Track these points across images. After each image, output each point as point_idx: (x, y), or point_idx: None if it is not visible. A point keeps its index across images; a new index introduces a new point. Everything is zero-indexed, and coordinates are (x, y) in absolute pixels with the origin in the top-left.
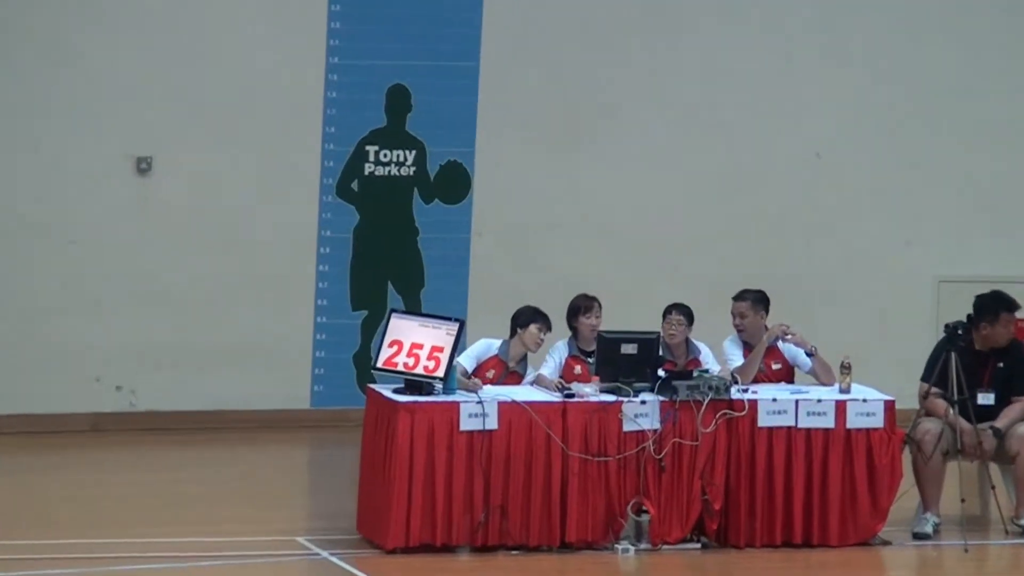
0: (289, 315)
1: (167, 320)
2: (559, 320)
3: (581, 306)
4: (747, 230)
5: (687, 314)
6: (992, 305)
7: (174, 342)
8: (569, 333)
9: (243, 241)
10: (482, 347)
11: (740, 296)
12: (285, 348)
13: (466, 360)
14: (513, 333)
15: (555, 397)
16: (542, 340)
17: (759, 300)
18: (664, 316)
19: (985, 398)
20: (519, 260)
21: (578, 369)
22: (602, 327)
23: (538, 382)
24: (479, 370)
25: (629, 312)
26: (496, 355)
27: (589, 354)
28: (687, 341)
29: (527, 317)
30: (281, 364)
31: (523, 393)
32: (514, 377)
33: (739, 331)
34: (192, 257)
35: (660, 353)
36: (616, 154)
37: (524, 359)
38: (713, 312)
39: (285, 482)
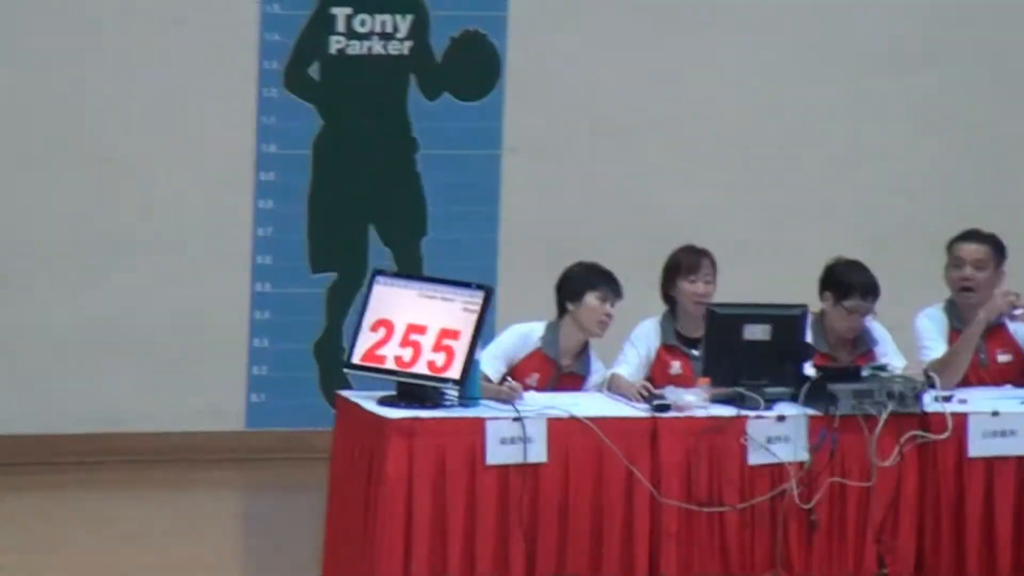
0: (208, 282)
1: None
2: (639, 287)
3: (682, 264)
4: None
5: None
6: None
7: (10, 329)
8: (662, 309)
9: (125, 164)
10: (515, 339)
11: (969, 237)
12: (202, 335)
13: (490, 363)
14: (563, 312)
15: (639, 411)
16: (608, 317)
17: (997, 248)
18: (835, 290)
19: None
20: (575, 190)
21: (676, 366)
22: (716, 298)
23: (611, 387)
24: (515, 375)
25: (756, 272)
26: (538, 349)
27: (694, 342)
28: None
29: (580, 282)
30: (195, 361)
31: (588, 405)
32: (571, 381)
33: (962, 290)
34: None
35: (809, 340)
36: (723, 31)
37: (585, 351)
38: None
39: (201, 553)
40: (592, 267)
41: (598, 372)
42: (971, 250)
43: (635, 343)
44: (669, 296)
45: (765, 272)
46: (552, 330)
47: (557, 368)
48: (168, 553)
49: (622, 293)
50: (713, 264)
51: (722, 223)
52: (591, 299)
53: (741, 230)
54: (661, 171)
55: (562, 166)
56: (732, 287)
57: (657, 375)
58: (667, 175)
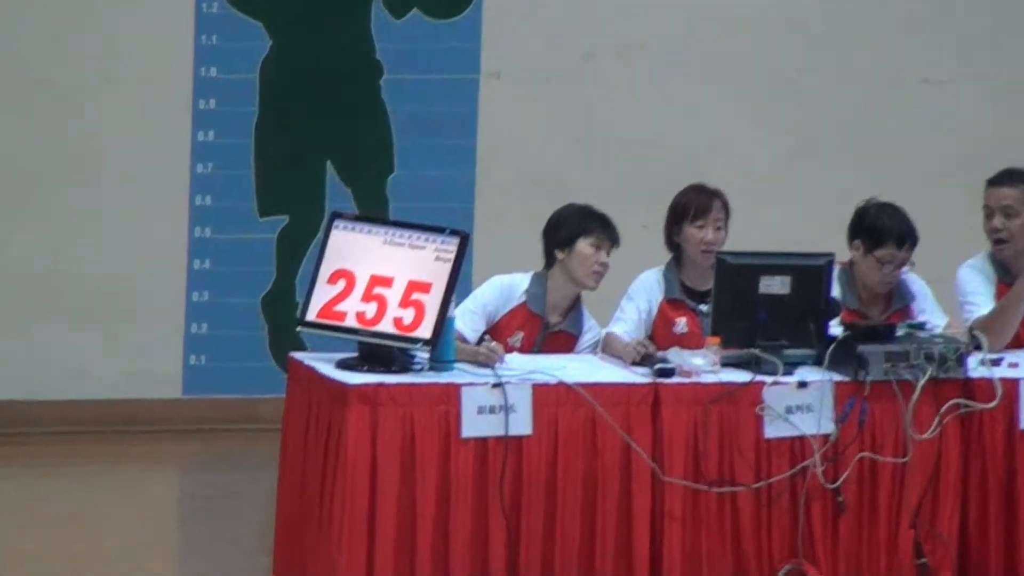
0: (140, 227)
1: None
2: (639, 233)
3: (689, 207)
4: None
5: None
6: None
7: None
8: (665, 258)
9: (44, 90)
10: (495, 292)
11: (999, 180)
12: (133, 288)
13: (467, 320)
14: (551, 261)
15: (638, 376)
16: (603, 267)
17: None
18: (866, 237)
19: None
20: (564, 121)
21: (682, 323)
22: (728, 246)
23: (606, 348)
24: (496, 333)
25: (774, 216)
26: (522, 303)
27: (702, 296)
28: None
29: (571, 227)
30: (125, 318)
31: (579, 369)
32: (559, 341)
33: (996, 243)
34: None
35: (835, 294)
36: None
37: (576, 307)
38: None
39: (133, 540)
40: (584, 209)
41: (591, 331)
42: (999, 196)
43: (634, 297)
44: (674, 243)
45: (784, 216)
46: (538, 282)
47: (544, 326)
48: (96, 540)
49: (619, 240)
50: (725, 207)
51: (735, 159)
52: (583, 246)
53: (757, 167)
54: (664, 99)
55: (550, 93)
56: (746, 234)
57: (659, 334)
58: (672, 103)
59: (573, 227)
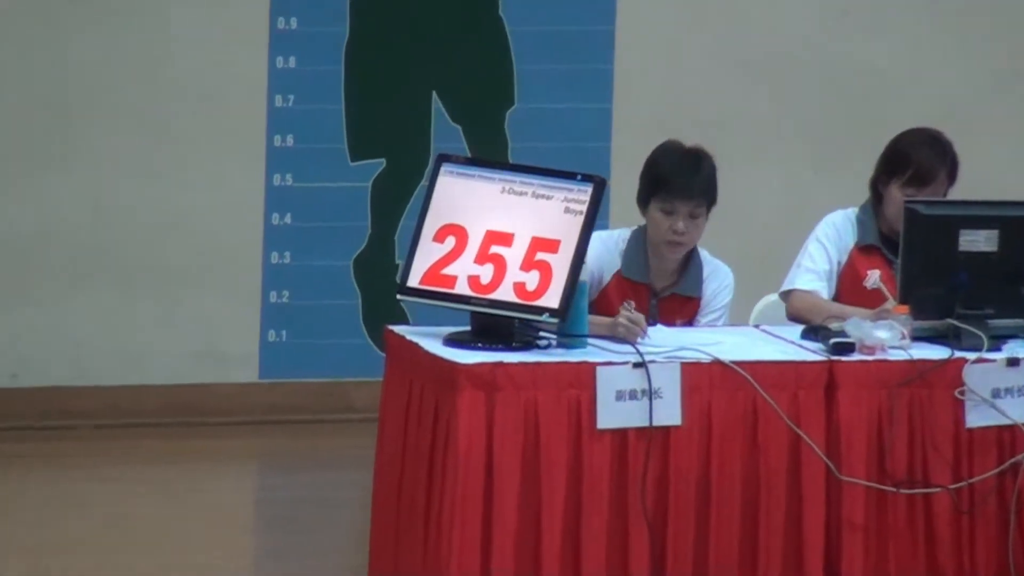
0: (205, 172)
1: None
2: (805, 177)
3: (909, 166)
4: None
5: None
6: None
7: None
8: (863, 199)
9: (86, 2)
10: (596, 250)
11: None
12: (197, 249)
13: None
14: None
15: (809, 352)
16: (678, 235)
17: None
18: None
19: None
20: (723, 42)
21: (874, 277)
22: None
23: (797, 310)
24: (602, 303)
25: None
26: (618, 270)
27: (895, 250)
28: None
29: (646, 181)
30: (188, 285)
31: (738, 343)
32: (675, 306)
33: None
34: None
35: None
36: None
37: (691, 259)
38: None
39: (203, 553)
40: (668, 157)
41: (722, 287)
42: None
43: (823, 241)
44: (877, 191)
45: (985, 147)
46: (637, 241)
47: (652, 293)
48: (153, 558)
49: (708, 199)
50: (951, 176)
51: (931, 86)
52: (653, 209)
53: (958, 97)
54: (841, 13)
55: (706, 8)
56: None
57: (845, 289)
58: (853, 19)
59: (646, 182)
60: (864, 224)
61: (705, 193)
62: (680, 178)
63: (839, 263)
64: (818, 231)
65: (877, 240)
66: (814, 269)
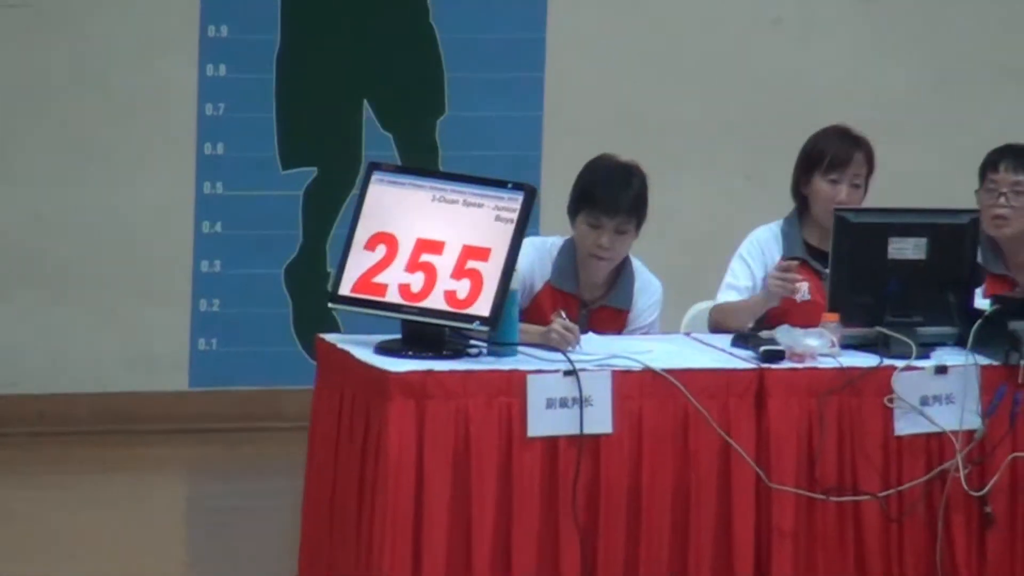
0: (136, 180)
1: None
2: (737, 184)
3: (826, 155)
4: None
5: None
6: None
7: None
8: (789, 207)
9: (19, 10)
10: (530, 257)
11: None
12: (128, 257)
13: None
14: None
15: (739, 360)
16: (601, 250)
17: None
18: (984, 173)
19: None
20: (651, 48)
21: (804, 289)
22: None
23: (719, 323)
24: (528, 314)
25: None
26: (547, 281)
27: (824, 257)
28: None
29: (575, 193)
30: (119, 293)
31: (669, 352)
32: (605, 319)
33: None
34: None
35: (979, 260)
36: None
37: (622, 271)
38: None
39: (134, 565)
40: (603, 169)
41: (650, 300)
42: None
43: (746, 257)
44: (801, 196)
45: (915, 154)
46: (568, 251)
47: (581, 304)
48: (83, 566)
49: (634, 217)
50: (868, 160)
51: (863, 91)
52: (579, 222)
53: (891, 101)
54: (774, 18)
55: (633, 14)
56: (873, 184)
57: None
58: (784, 22)
59: (575, 195)
60: (789, 236)
61: (633, 209)
62: (608, 193)
63: (763, 279)
64: (741, 248)
65: (803, 252)
66: (735, 285)
